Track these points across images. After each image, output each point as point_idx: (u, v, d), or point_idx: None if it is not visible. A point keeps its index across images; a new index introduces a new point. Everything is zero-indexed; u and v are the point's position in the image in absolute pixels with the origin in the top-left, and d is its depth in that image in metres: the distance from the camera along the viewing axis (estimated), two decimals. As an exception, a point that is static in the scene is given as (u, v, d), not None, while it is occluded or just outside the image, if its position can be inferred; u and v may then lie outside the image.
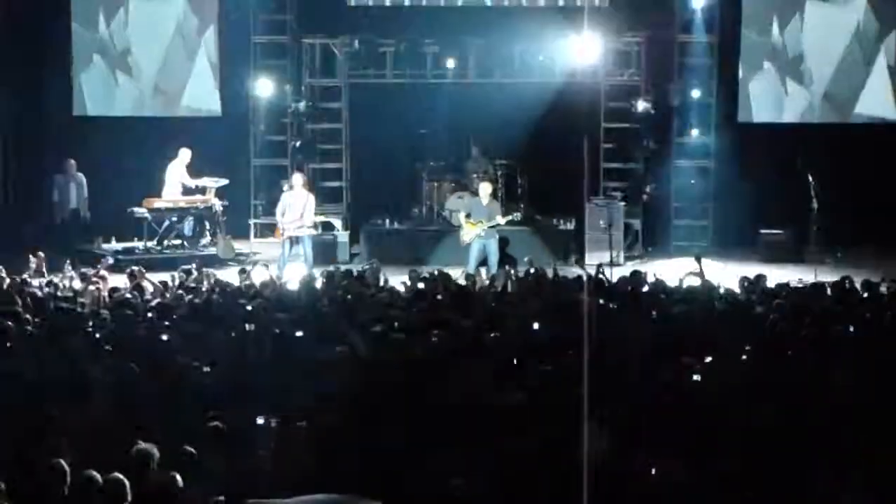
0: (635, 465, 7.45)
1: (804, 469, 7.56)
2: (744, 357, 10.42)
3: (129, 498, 6.98)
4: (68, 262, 15.21)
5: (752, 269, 16.17)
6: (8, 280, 13.99)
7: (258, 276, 15.03)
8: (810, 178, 18.29)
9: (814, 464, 7.62)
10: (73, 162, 18.62)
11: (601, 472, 7.38)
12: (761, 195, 19.78)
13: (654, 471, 7.50)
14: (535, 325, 11.45)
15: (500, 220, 17.34)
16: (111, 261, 15.53)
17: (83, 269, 15.07)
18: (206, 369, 9.82)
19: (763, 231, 19.59)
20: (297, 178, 18.01)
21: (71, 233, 18.56)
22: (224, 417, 8.20)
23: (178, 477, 7.17)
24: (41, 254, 15.92)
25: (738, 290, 13.89)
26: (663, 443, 7.89)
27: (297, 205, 17.53)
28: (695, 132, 20.88)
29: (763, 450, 7.87)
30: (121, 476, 7.06)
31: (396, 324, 11.43)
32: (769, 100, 21.17)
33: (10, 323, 11.24)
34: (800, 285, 14.23)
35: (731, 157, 20.66)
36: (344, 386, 9.16)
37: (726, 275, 15.73)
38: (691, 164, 20.97)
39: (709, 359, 10.13)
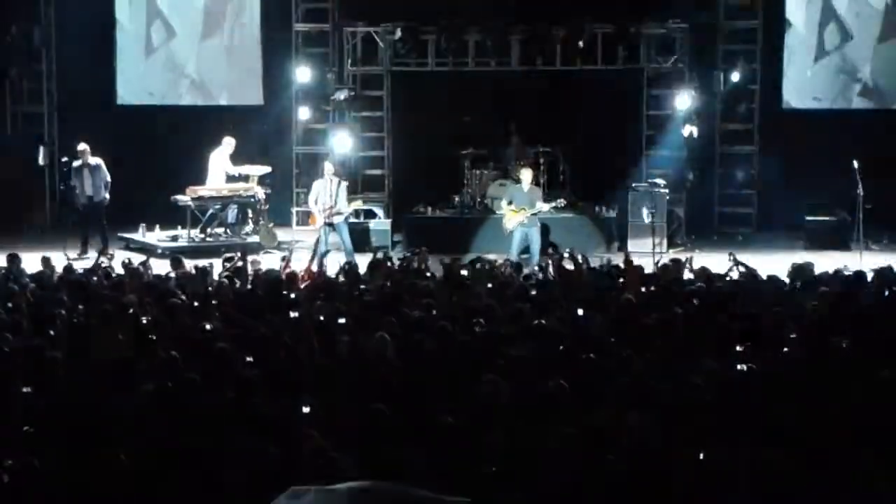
0: (682, 452, 7.42)
1: (850, 456, 7.51)
2: (786, 348, 10.32)
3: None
4: (74, 249, 15.25)
5: (796, 257, 16.05)
6: (55, 270, 14.07)
7: (298, 264, 15.07)
8: (855, 164, 18.10)
9: (860, 451, 7.57)
10: (84, 147, 18.61)
11: (647, 459, 7.38)
12: (806, 182, 19.62)
13: (701, 456, 7.48)
14: (580, 312, 11.40)
15: (544, 206, 17.30)
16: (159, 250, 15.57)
17: (127, 258, 15.16)
18: (249, 359, 9.86)
19: (808, 218, 19.42)
20: (328, 166, 18.02)
21: (89, 219, 18.60)
22: (268, 405, 8.22)
23: (223, 463, 7.21)
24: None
25: (784, 278, 13.79)
26: (709, 430, 7.85)
27: (328, 192, 17.56)
28: (738, 119, 20.72)
29: (809, 437, 7.83)
30: None
31: (435, 311, 11.43)
32: (813, 86, 20.98)
33: (61, 311, 11.34)
34: (845, 273, 14.09)
35: (775, 143, 20.52)
36: (388, 373, 9.17)
37: (771, 259, 15.65)
38: (735, 150, 20.83)
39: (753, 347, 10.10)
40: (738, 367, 9.44)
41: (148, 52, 21.77)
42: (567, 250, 15.10)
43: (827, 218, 19.32)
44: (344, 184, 17.94)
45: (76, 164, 18.66)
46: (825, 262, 15.62)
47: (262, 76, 21.64)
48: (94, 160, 18.62)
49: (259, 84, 21.67)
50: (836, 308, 11.69)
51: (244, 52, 21.65)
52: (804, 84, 20.98)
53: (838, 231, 19.08)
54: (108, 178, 18.68)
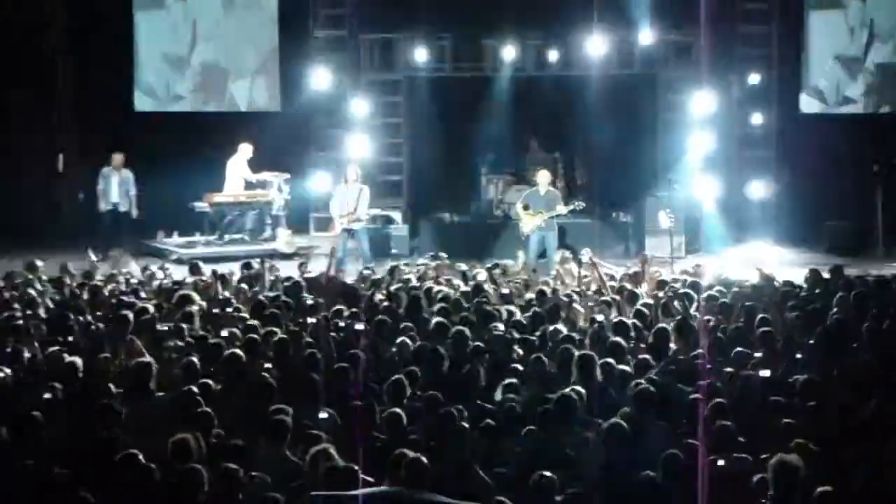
0: (700, 458, 7.42)
1: (868, 461, 7.49)
2: (800, 355, 10.28)
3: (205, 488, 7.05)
4: (90, 253, 15.29)
5: (815, 261, 16.01)
6: (75, 276, 14.13)
7: (317, 270, 15.09)
8: (875, 169, 18.04)
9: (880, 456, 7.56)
10: (118, 156, 18.70)
11: (665, 464, 7.38)
12: (824, 186, 19.55)
13: (720, 462, 7.48)
14: (600, 317, 11.40)
15: (562, 209, 17.27)
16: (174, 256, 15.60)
17: (146, 264, 15.20)
18: (267, 364, 9.89)
19: (827, 222, 19.36)
20: (351, 172, 18.06)
21: (107, 226, 18.65)
22: (286, 411, 8.24)
23: (241, 470, 7.23)
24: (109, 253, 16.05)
25: (802, 283, 13.77)
26: (729, 436, 7.85)
27: (350, 198, 17.60)
28: (756, 123, 20.65)
29: (827, 442, 7.81)
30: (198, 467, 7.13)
31: (453, 317, 11.44)
32: (832, 90, 20.91)
33: (78, 318, 11.39)
34: (865, 278, 14.04)
35: (793, 147, 20.45)
36: (407, 378, 9.18)
37: (789, 264, 15.60)
38: (752, 155, 20.77)
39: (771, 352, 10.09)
40: (762, 373, 9.43)
41: (165, 59, 21.79)
42: (583, 253, 15.05)
43: (845, 222, 19.25)
44: (367, 190, 17.96)
45: (106, 169, 18.75)
46: (845, 267, 15.56)
47: (279, 82, 21.69)
48: (126, 171, 18.71)
49: (277, 90, 21.72)
50: (856, 313, 11.67)
51: (262, 59, 21.71)
52: (823, 88, 20.89)
53: (857, 236, 19.01)
54: (134, 191, 18.73)
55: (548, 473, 7.09)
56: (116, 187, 18.64)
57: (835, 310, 11.76)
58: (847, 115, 20.76)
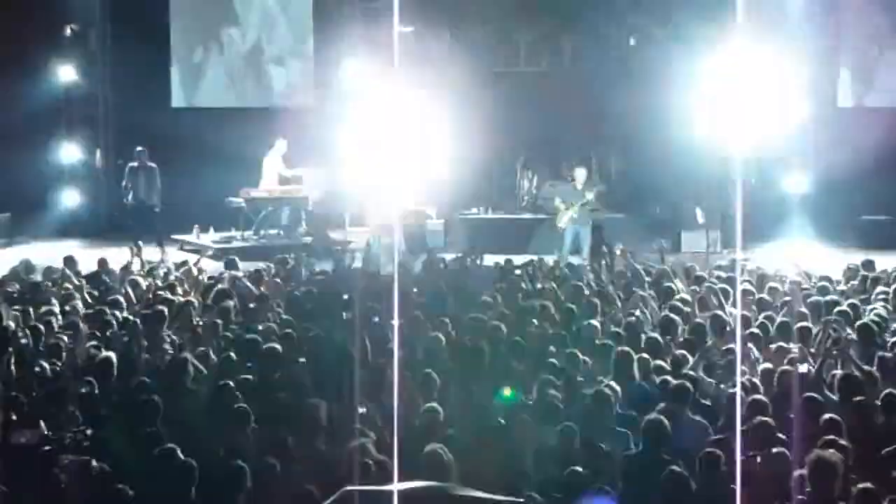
0: (737, 454, 7.39)
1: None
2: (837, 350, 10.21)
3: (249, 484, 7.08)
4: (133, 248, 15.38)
5: (852, 256, 15.88)
6: (112, 271, 14.21)
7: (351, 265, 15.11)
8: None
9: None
10: (142, 150, 18.79)
11: (703, 459, 7.35)
12: (863, 180, 19.41)
13: (759, 459, 7.45)
14: (637, 313, 11.37)
15: (589, 195, 17.21)
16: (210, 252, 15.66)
17: (182, 259, 15.26)
18: (303, 360, 9.91)
19: (864, 217, 19.20)
20: (380, 169, 18.14)
21: (135, 220, 18.72)
22: (321, 406, 8.26)
23: (277, 464, 7.26)
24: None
25: (839, 278, 13.67)
26: (766, 432, 7.81)
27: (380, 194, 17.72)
28: (792, 116, 20.48)
29: (866, 440, 7.77)
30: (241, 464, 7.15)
31: (491, 311, 11.44)
32: (870, 83, 20.75)
33: (115, 312, 11.45)
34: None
35: (831, 141, 20.30)
36: (441, 372, 9.19)
37: (826, 259, 15.50)
38: (790, 149, 20.61)
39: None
40: (801, 369, 9.38)
41: (202, 55, 21.90)
42: (617, 248, 15.00)
43: (884, 217, 19.11)
44: (396, 186, 18.00)
45: (132, 164, 18.83)
46: (881, 261, 15.44)
47: (314, 78, 21.74)
48: (150, 164, 18.78)
49: (311, 83, 21.78)
50: (893, 308, 11.59)
51: (297, 54, 21.78)
52: (861, 81, 20.75)
53: (895, 230, 18.87)
54: (159, 185, 18.79)
55: (580, 469, 7.09)
56: (142, 181, 18.71)
57: (872, 305, 11.68)
58: (884, 109, 20.60)
